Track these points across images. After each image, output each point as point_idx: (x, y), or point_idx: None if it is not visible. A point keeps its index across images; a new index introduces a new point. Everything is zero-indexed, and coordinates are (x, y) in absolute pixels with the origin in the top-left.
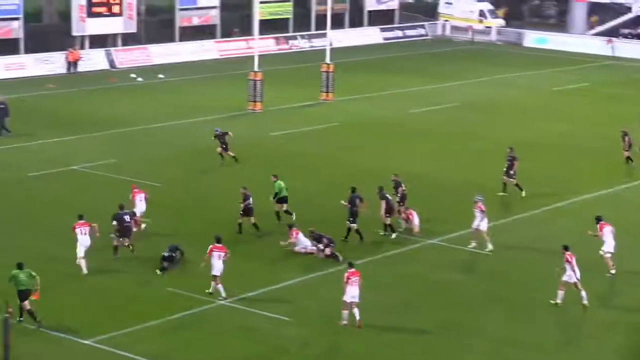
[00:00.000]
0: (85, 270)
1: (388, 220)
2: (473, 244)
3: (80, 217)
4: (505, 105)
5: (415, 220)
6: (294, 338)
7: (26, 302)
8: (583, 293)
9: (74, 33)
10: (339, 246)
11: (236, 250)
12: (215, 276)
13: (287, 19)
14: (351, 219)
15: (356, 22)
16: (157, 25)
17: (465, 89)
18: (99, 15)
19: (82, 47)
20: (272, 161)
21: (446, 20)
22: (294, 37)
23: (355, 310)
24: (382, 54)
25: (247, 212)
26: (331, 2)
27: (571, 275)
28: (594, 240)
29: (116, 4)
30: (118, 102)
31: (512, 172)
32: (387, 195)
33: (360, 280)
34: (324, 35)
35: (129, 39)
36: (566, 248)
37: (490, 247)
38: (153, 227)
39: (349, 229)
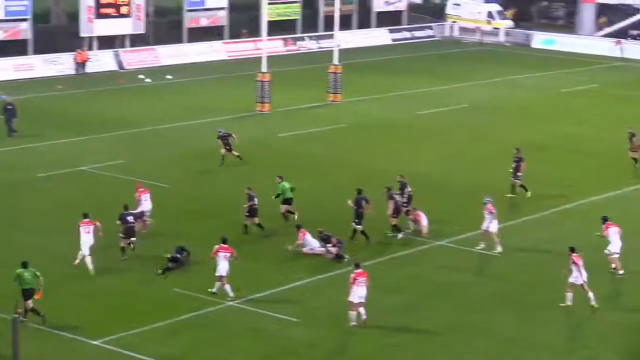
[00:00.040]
0: (91, 267)
1: (394, 221)
2: (482, 245)
3: (85, 216)
4: (514, 106)
5: (424, 221)
6: (302, 339)
7: (29, 301)
8: (590, 294)
9: (82, 34)
10: (348, 247)
11: (244, 251)
12: (220, 277)
13: (295, 20)
14: (356, 220)
15: (364, 23)
16: (165, 26)
17: (474, 90)
18: (107, 16)
19: (90, 48)
20: (280, 162)
21: (454, 22)
22: (302, 38)
23: (361, 309)
24: (390, 55)
25: (252, 213)
26: (339, 3)
27: (578, 276)
28: (602, 242)
29: (124, 5)
30: (126, 103)
31: (519, 173)
32: (395, 196)
33: (368, 281)
34: (331, 36)
35: (137, 40)
36: (572, 250)
37: (499, 249)
38: (160, 228)
39: (355, 230)
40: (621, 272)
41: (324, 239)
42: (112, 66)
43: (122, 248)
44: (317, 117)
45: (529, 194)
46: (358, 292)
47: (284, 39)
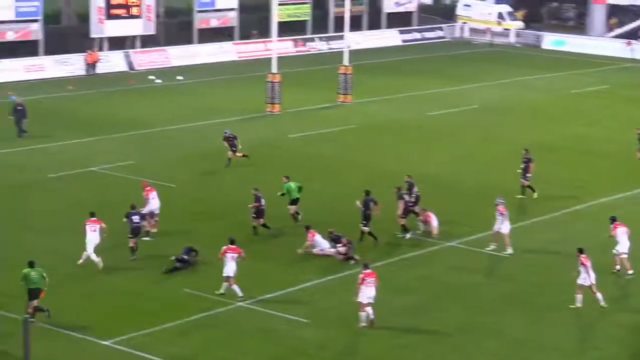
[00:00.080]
0: (97, 260)
1: (403, 221)
2: (492, 247)
3: (92, 215)
4: (524, 107)
5: (434, 222)
6: (312, 340)
7: (35, 301)
8: (599, 295)
9: (93, 35)
10: (358, 248)
11: (254, 252)
12: (228, 277)
13: (306, 21)
14: (364, 222)
15: (374, 24)
16: (175, 27)
17: (484, 91)
18: (118, 17)
19: (100, 49)
20: (290, 163)
21: (464, 23)
22: (312, 39)
23: (369, 309)
24: (400, 56)
25: (259, 214)
26: (349, 4)
27: (586, 278)
28: (612, 242)
29: (135, 6)
30: (137, 103)
31: (528, 174)
32: (405, 196)
33: (377, 282)
34: (342, 37)
35: (147, 41)
36: (581, 251)
37: (509, 250)
38: (169, 228)
39: (363, 232)
40: (631, 272)
41: (334, 240)
42: (122, 67)
43: (131, 248)
44: (327, 118)
45: (535, 195)
46: (367, 293)
47: (294, 40)
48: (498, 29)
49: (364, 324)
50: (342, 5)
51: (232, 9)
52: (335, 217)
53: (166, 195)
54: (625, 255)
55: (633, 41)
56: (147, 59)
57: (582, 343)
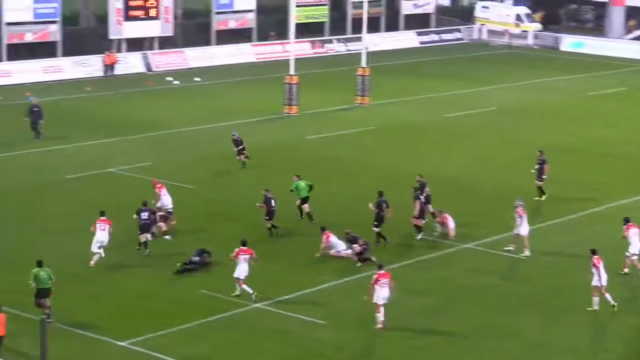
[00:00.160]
0: (92, 262)
1: (417, 222)
2: (510, 247)
3: (102, 214)
4: (542, 109)
5: (451, 224)
6: (329, 341)
7: (47, 299)
8: (607, 296)
9: (111, 36)
10: (375, 250)
11: (271, 254)
12: (238, 279)
13: (323, 22)
14: (376, 222)
15: (392, 26)
16: (193, 28)
17: (502, 93)
18: (136, 18)
19: (118, 51)
20: (307, 165)
21: (482, 24)
22: (330, 41)
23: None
24: (418, 58)
25: (270, 215)
26: (367, 5)
27: (597, 278)
28: (627, 244)
29: (153, 7)
30: (154, 105)
31: (543, 175)
32: (421, 197)
33: (392, 282)
34: (359, 39)
35: (165, 43)
36: (594, 252)
37: (527, 252)
38: (184, 228)
39: (375, 233)
40: None
41: (351, 241)
42: (140, 68)
43: (144, 243)
44: (344, 120)
45: (543, 197)
46: (381, 294)
47: (312, 42)
48: (516, 30)
49: (380, 326)
50: (360, 7)
51: (250, 11)
52: (353, 218)
53: (183, 196)
54: (636, 257)
55: None
56: (165, 60)
57: (597, 345)
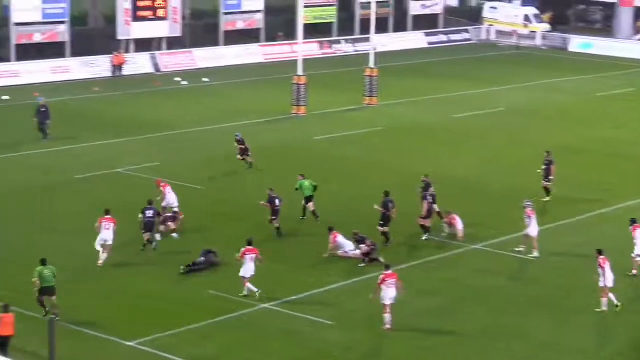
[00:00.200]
0: (101, 261)
1: (424, 222)
2: (521, 248)
3: (107, 212)
4: (551, 110)
5: (459, 225)
6: (337, 342)
7: (53, 298)
8: (611, 296)
9: (119, 37)
10: (385, 251)
11: (278, 254)
12: (244, 278)
13: (332, 23)
14: (381, 222)
15: (400, 27)
16: (201, 29)
17: (510, 93)
18: (144, 19)
19: (127, 51)
20: (315, 165)
21: (491, 25)
22: (338, 42)
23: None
24: (426, 59)
25: (274, 214)
26: (375, 6)
27: (603, 279)
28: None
29: (161, 8)
30: (162, 105)
31: (550, 176)
32: (429, 197)
33: (399, 283)
34: (368, 39)
35: (173, 43)
36: (600, 252)
37: (535, 254)
38: (192, 228)
39: (381, 232)
40: None
41: (359, 241)
42: (148, 69)
43: (148, 240)
44: (352, 120)
45: (547, 198)
46: (389, 294)
47: (320, 42)
48: (524, 31)
49: (388, 327)
50: (368, 8)
51: (258, 11)
52: (360, 219)
53: (191, 196)
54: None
55: None
56: (173, 60)
57: (606, 347)
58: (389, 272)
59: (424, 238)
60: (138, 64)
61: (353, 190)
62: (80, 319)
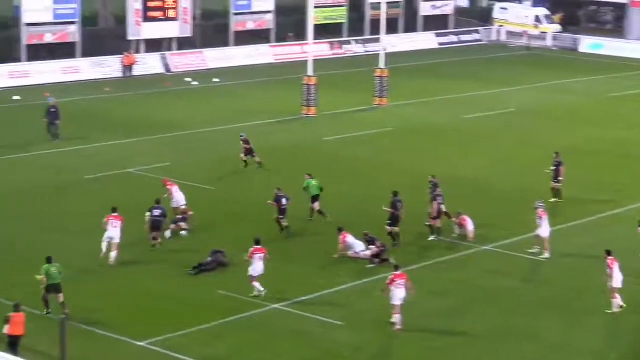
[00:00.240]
0: (112, 260)
1: (432, 222)
2: (535, 250)
3: (114, 210)
4: (562, 111)
5: (470, 226)
6: (347, 342)
7: (60, 295)
8: (617, 296)
9: (130, 37)
10: (396, 251)
11: (289, 254)
12: (252, 276)
13: (342, 23)
14: (389, 222)
15: (410, 27)
16: (212, 29)
17: (521, 94)
18: (155, 19)
19: (137, 51)
20: (325, 166)
21: (501, 26)
22: (348, 42)
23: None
24: (437, 59)
25: (282, 213)
26: (385, 7)
27: (611, 280)
28: None
29: (172, 8)
30: (173, 106)
31: (560, 177)
32: (439, 198)
33: (409, 283)
34: (378, 40)
35: (184, 43)
36: (609, 253)
37: (546, 255)
38: (201, 229)
39: (397, 233)
40: None
41: (369, 241)
42: (159, 69)
43: (154, 238)
44: (363, 121)
45: (553, 200)
46: (398, 294)
47: (331, 43)
48: (535, 32)
49: (398, 327)
50: (379, 8)
51: (268, 12)
52: (370, 220)
53: (202, 196)
54: None
55: None
56: (183, 61)
57: (617, 348)
58: (398, 272)
59: (430, 238)
60: (148, 64)
61: (363, 190)
62: (90, 319)
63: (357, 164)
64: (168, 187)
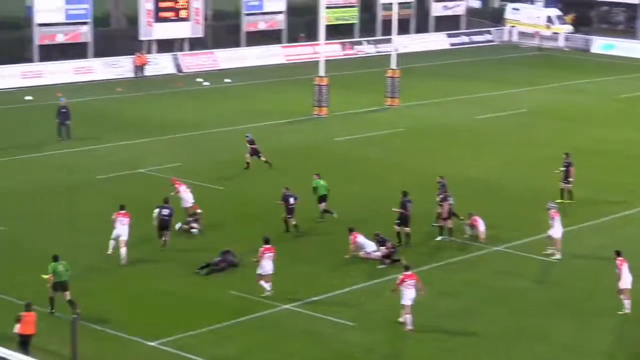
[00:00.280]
0: (124, 260)
1: (443, 223)
2: (549, 251)
3: (122, 208)
4: (573, 111)
5: (481, 227)
6: (358, 343)
7: (67, 293)
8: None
9: (142, 37)
10: (406, 252)
11: (300, 254)
12: (260, 275)
13: (353, 24)
14: (398, 221)
15: (422, 28)
16: (223, 30)
17: (533, 95)
18: (166, 20)
19: (149, 52)
20: (336, 166)
21: (513, 26)
22: (360, 43)
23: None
24: (448, 60)
25: (290, 212)
26: (397, 7)
27: (620, 281)
28: None
29: (183, 9)
30: (184, 106)
31: (570, 178)
32: (450, 199)
33: (419, 284)
34: (389, 40)
35: (195, 44)
36: (618, 253)
37: (558, 255)
38: (212, 229)
39: (407, 234)
40: None
41: (379, 242)
42: (170, 69)
43: (160, 236)
44: (374, 122)
45: (559, 200)
46: (408, 295)
47: (342, 43)
48: (547, 32)
49: (410, 328)
50: (390, 9)
51: (280, 12)
52: (382, 220)
53: (212, 196)
54: None
55: None
56: (195, 61)
57: (629, 349)
58: (409, 273)
59: (438, 239)
60: (160, 64)
61: (374, 191)
62: (101, 318)
63: (368, 165)
64: (176, 185)
